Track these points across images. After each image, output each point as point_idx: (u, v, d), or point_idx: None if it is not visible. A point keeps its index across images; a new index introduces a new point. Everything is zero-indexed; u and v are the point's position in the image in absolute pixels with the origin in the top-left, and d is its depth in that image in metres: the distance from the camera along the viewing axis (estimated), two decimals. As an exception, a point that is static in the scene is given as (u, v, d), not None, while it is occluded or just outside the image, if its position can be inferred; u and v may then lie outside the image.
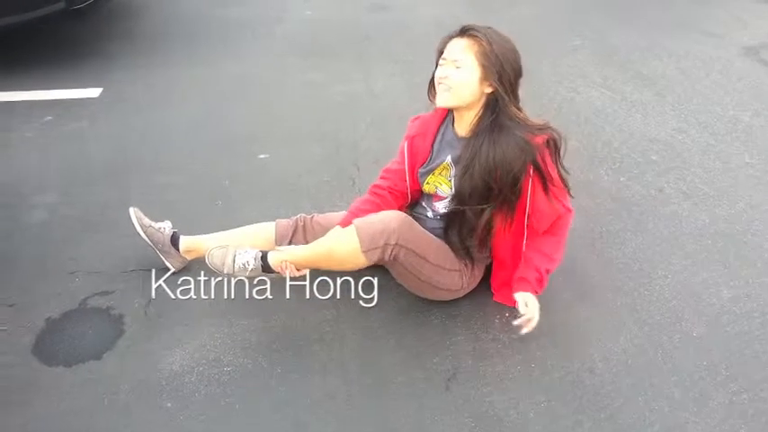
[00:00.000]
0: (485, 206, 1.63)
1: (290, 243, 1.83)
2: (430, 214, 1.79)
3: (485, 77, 1.54)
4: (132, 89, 3.19)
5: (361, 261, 1.57)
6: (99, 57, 3.55)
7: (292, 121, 2.94)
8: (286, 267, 1.62)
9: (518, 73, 1.56)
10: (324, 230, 1.79)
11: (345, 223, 1.68)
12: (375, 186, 1.82)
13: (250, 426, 1.51)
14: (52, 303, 1.83)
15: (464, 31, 1.56)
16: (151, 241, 1.89)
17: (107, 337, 1.73)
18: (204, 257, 1.73)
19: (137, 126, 2.86)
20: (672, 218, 2.27)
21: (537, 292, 1.69)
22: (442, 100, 1.59)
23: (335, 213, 1.90)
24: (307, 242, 1.79)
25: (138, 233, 1.88)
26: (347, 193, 2.36)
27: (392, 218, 1.61)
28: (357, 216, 1.69)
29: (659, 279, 1.98)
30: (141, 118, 2.93)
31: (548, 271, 1.72)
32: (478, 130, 1.60)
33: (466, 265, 1.76)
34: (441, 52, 1.60)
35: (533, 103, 1.64)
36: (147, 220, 1.91)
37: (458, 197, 1.67)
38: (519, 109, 1.58)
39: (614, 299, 1.89)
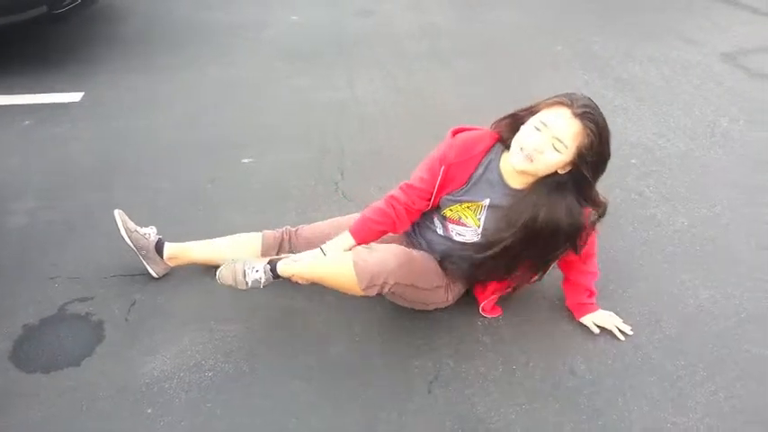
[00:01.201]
0: (508, 276, 1.73)
1: (276, 254, 1.84)
2: (440, 231, 1.76)
3: (571, 163, 1.52)
4: (114, 93, 3.17)
5: (360, 293, 1.59)
6: (81, 61, 3.52)
7: (277, 125, 2.94)
8: (295, 280, 1.68)
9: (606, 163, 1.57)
10: (307, 244, 1.82)
11: (355, 232, 1.67)
12: (393, 198, 1.69)
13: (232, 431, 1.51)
14: (31, 309, 1.81)
15: (580, 114, 1.47)
16: (135, 246, 1.87)
17: (86, 343, 1.71)
18: (187, 264, 1.88)
19: (118, 130, 2.83)
20: (651, 220, 2.31)
21: (596, 306, 1.81)
22: (519, 164, 1.53)
23: (321, 223, 1.91)
24: None
25: (122, 237, 1.86)
26: (331, 199, 2.37)
27: (391, 258, 1.58)
28: (367, 225, 1.67)
29: (638, 281, 2.01)
30: (123, 122, 2.91)
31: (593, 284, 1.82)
32: (534, 190, 1.59)
33: (453, 280, 1.78)
34: (538, 109, 1.52)
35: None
36: (132, 224, 1.89)
37: (485, 247, 1.66)
38: (597, 192, 1.61)
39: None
